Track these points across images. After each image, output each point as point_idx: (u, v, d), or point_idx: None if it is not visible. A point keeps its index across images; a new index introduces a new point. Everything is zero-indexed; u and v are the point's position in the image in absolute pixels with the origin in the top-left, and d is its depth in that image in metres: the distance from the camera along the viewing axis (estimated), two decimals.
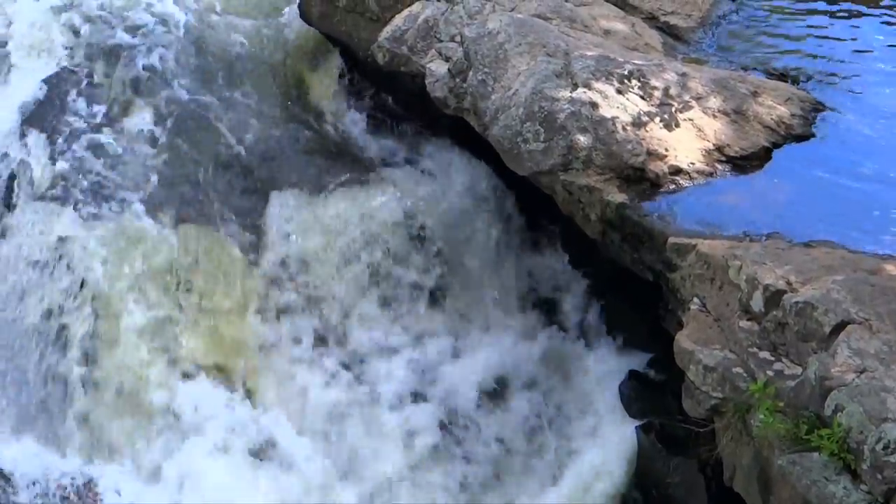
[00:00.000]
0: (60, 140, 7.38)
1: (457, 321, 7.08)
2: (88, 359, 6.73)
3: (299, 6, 7.83)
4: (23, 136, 7.43)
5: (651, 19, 7.48)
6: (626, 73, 6.07)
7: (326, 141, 7.58)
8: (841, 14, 7.85)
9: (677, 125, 5.93)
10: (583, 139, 5.76)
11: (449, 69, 6.63)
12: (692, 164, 5.80)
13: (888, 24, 7.73)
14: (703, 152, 5.87)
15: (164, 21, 7.96)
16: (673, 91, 6.06)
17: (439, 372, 6.90)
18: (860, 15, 7.82)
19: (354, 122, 7.66)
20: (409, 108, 7.50)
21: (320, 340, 6.95)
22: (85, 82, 7.73)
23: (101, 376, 6.72)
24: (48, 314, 6.83)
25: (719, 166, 5.85)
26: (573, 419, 6.75)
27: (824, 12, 7.87)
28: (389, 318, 6.99)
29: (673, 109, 5.97)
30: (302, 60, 7.95)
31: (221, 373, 6.84)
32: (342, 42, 7.69)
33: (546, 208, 6.46)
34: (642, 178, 5.74)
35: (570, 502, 6.41)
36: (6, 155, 7.37)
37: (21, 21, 8.08)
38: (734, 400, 4.68)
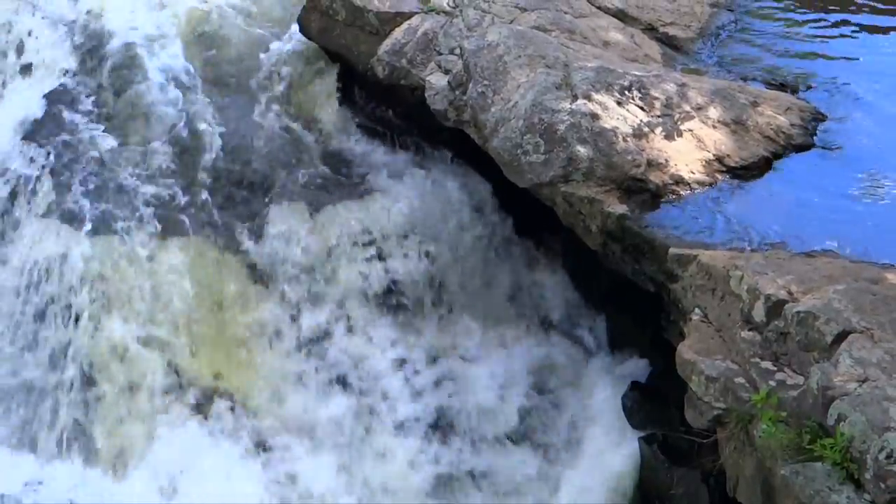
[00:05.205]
0: (61, 155, 7.38)
1: (457, 333, 7.07)
2: (85, 374, 6.73)
3: (299, 21, 7.83)
4: (23, 151, 7.43)
5: (650, 30, 7.50)
6: (626, 84, 6.08)
7: (326, 154, 7.58)
8: (840, 24, 7.87)
9: (678, 136, 5.93)
10: (583, 150, 5.77)
11: (448, 82, 6.64)
12: (692, 174, 5.80)
13: (887, 33, 7.75)
14: (704, 163, 5.87)
15: (162, 36, 7.98)
16: (673, 102, 6.07)
17: (440, 383, 6.90)
18: (859, 25, 7.84)
19: (354, 136, 7.66)
20: (409, 120, 7.50)
21: (321, 352, 6.94)
22: (84, 98, 7.74)
23: (98, 393, 6.72)
24: (47, 326, 6.84)
25: (720, 176, 5.85)
26: (575, 430, 6.74)
27: (823, 22, 7.89)
28: (391, 330, 6.99)
29: (673, 120, 5.98)
30: (302, 74, 7.95)
31: (222, 387, 6.83)
32: (342, 56, 7.69)
33: (546, 220, 6.46)
34: (643, 189, 5.74)
35: None
36: (6, 170, 7.38)
37: (21, 37, 8.09)
38: (737, 410, 4.67)
